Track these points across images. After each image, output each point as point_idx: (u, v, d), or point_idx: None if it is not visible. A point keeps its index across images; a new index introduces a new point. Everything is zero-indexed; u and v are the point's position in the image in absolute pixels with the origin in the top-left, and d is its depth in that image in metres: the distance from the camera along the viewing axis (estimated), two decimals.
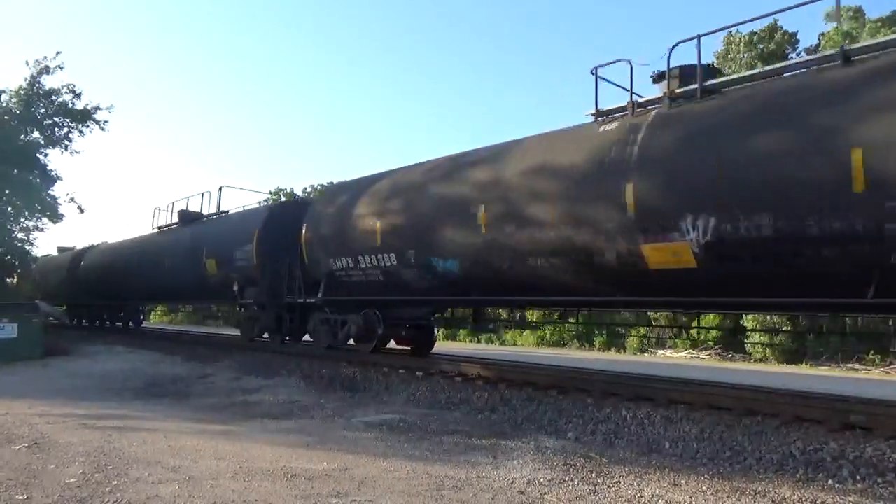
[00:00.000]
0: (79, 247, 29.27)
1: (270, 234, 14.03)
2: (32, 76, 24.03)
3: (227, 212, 17.51)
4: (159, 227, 20.27)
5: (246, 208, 16.75)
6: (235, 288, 14.54)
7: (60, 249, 32.16)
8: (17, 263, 29.34)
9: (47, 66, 24.04)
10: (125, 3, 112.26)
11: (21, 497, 4.20)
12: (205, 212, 18.26)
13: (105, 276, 22.77)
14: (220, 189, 18.14)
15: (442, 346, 17.08)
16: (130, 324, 26.55)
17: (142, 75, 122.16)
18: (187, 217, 18.61)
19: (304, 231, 12.54)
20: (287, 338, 14.55)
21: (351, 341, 12.68)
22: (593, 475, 5.03)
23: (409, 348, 13.03)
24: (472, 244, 8.94)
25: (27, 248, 29.39)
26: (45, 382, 10.77)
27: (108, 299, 24.38)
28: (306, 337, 14.26)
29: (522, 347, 25.41)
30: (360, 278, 11.19)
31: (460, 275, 9.31)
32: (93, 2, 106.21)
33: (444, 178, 9.93)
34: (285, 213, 14.60)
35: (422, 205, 9.93)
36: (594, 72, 8.16)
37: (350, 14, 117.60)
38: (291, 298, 13.12)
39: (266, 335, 15.17)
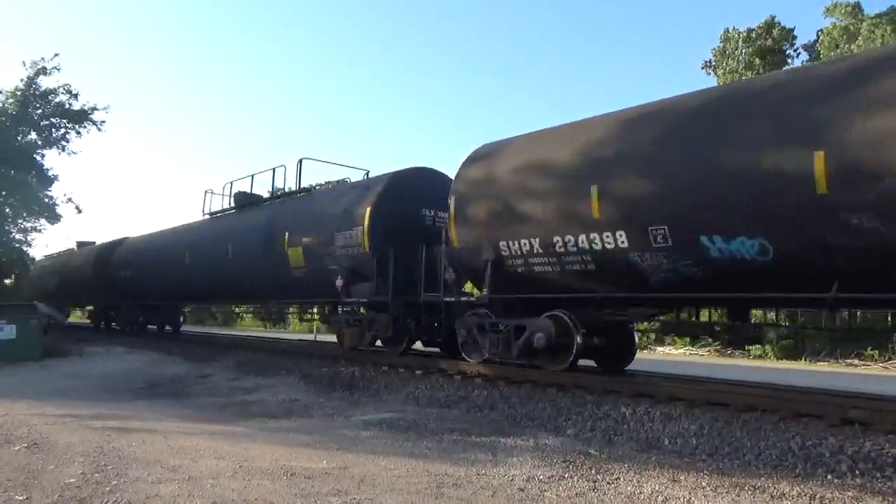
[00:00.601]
0: (99, 241, 26.42)
1: (391, 210, 10.96)
2: (29, 77, 24.03)
3: (311, 189, 14.45)
4: (210, 213, 17.47)
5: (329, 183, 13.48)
6: (339, 283, 11.44)
7: (80, 244, 28.78)
8: (14, 265, 29.27)
9: (44, 68, 24.05)
10: (125, 3, 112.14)
11: (21, 497, 4.19)
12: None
13: (149, 274, 19.52)
14: (300, 162, 14.31)
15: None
16: (167, 327, 22.99)
17: (140, 75, 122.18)
18: (255, 200, 15.83)
19: (451, 205, 9.50)
20: (409, 347, 11.43)
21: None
22: (593, 472, 5.03)
23: (592, 362, 9.61)
24: (797, 213, 6.01)
25: (25, 248, 29.34)
26: (44, 383, 10.75)
27: (155, 300, 20.75)
28: (418, 345, 11.80)
29: None
30: (549, 267, 8.27)
31: (762, 261, 6.34)
32: (93, 2, 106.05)
33: (736, 110, 6.74)
34: (414, 184, 11.47)
35: (686, 152, 6.91)
36: None
37: (350, 14, 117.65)
38: (433, 296, 10.03)
39: (379, 343, 11.87)
